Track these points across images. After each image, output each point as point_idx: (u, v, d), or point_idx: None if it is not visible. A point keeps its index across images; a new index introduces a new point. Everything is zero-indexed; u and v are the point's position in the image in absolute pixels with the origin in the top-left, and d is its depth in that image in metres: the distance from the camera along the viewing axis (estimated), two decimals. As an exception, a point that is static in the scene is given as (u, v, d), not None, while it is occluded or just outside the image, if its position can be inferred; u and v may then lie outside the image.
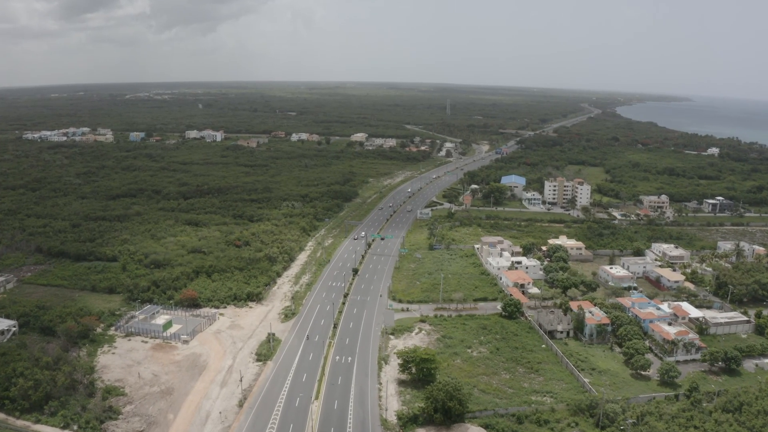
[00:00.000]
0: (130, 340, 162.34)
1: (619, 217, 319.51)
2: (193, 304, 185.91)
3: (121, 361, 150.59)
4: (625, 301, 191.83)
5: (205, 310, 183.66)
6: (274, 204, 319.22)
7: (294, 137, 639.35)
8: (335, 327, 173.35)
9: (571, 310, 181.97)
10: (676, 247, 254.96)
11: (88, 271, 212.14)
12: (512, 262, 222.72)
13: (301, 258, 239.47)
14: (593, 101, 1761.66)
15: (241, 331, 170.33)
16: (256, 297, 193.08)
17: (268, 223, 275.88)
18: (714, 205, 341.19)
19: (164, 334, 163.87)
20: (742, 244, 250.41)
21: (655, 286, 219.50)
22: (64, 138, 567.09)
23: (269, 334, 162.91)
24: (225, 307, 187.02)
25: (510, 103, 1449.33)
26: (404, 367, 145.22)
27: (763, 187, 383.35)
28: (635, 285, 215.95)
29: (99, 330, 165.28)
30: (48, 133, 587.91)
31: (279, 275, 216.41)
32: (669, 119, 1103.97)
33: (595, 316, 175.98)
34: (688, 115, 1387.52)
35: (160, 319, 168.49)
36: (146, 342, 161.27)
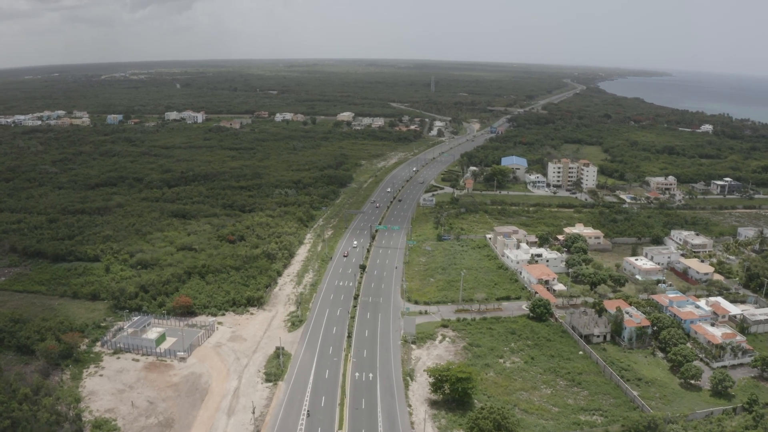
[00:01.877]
0: (119, 358, 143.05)
1: (628, 200, 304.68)
2: (188, 311, 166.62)
3: (110, 385, 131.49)
4: (661, 298, 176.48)
5: (201, 319, 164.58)
6: (266, 191, 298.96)
7: (278, 117, 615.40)
8: (349, 337, 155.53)
9: (606, 311, 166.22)
10: (697, 234, 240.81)
11: (68, 273, 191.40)
12: (532, 255, 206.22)
13: (301, 253, 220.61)
14: (575, 77, 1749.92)
15: (243, 343, 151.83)
16: (257, 301, 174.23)
17: (261, 213, 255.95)
18: (723, 186, 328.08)
19: (158, 350, 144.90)
20: (766, 231, 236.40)
21: (682, 279, 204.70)
22: (39, 122, 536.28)
23: (277, 348, 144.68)
24: (223, 315, 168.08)
25: (493, 80, 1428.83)
26: (436, 386, 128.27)
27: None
28: (663, 278, 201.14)
29: (83, 347, 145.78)
30: (22, 117, 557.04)
31: (279, 274, 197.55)
32: (654, 95, 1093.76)
33: (634, 318, 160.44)
34: (672, 91, 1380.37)
35: (152, 333, 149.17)
36: (138, 360, 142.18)
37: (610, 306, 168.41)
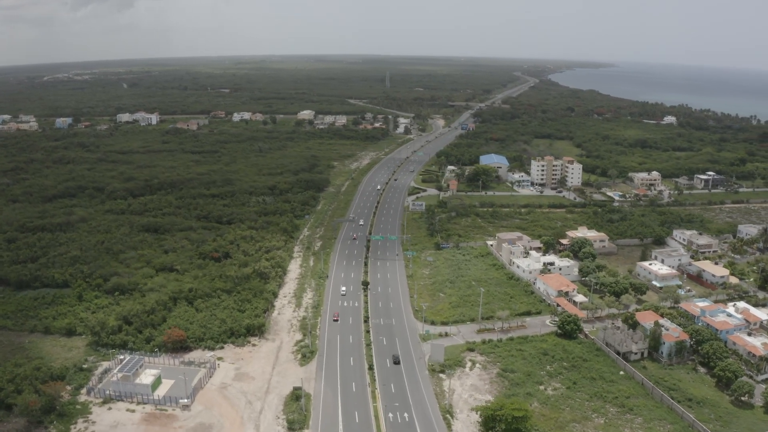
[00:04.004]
0: (110, 408, 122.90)
1: (617, 198, 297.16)
2: (181, 346, 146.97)
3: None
4: (691, 307, 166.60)
5: (198, 354, 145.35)
6: (240, 199, 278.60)
7: (236, 117, 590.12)
8: (371, 369, 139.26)
9: (640, 325, 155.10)
10: (701, 234, 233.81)
11: (35, 303, 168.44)
12: (544, 263, 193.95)
13: (293, 269, 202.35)
14: (525, 70, 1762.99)
15: (252, 383, 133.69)
16: (257, 330, 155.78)
17: (242, 225, 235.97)
18: (706, 180, 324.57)
19: (155, 397, 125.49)
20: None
21: (697, 283, 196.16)
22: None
23: (296, 389, 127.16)
24: (222, 348, 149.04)
25: (445, 74, 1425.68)
26: (488, 426, 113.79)
27: (746, 159, 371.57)
28: (680, 283, 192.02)
29: (66, 395, 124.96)
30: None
31: (275, 296, 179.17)
32: (607, 86, 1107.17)
33: (671, 331, 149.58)
34: (623, 82, 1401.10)
35: (147, 376, 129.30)
36: (133, 411, 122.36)
37: (643, 319, 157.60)
